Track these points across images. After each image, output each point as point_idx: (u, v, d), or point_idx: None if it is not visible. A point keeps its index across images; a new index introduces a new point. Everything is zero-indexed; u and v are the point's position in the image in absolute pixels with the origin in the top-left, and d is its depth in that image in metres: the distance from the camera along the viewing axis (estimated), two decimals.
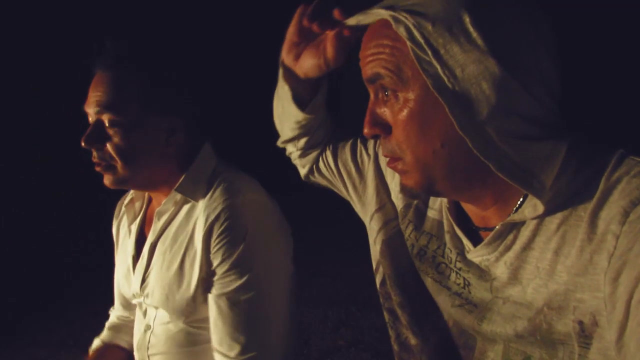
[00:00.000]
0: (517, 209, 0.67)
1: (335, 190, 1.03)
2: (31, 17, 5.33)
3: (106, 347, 1.29)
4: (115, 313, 1.36)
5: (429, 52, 0.60)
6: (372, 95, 0.69)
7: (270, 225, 1.07)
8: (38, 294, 3.93)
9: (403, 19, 0.61)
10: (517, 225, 0.67)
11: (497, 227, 0.67)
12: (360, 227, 0.98)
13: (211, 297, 1.04)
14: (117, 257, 1.29)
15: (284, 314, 1.06)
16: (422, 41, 0.60)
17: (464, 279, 0.73)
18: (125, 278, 1.22)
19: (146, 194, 1.25)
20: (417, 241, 0.81)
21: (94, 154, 1.06)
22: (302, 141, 0.98)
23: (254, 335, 1.00)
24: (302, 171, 1.04)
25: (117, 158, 1.04)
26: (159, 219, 1.14)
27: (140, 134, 1.04)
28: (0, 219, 4.81)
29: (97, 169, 1.08)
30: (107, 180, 1.07)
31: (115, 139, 1.03)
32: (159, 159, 1.09)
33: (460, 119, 0.60)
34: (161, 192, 1.15)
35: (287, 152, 1.05)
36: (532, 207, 0.64)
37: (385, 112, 0.67)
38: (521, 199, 0.67)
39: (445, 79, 0.60)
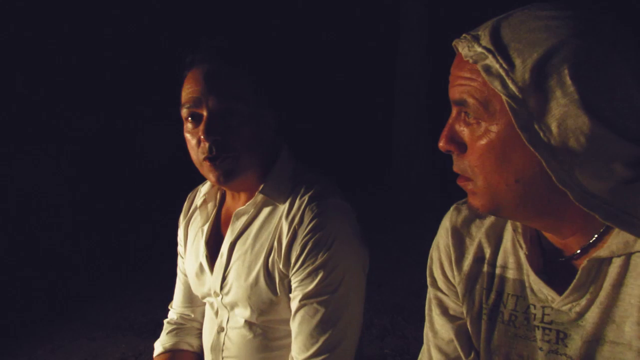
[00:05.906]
0: (596, 241, 0.65)
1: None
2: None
3: (172, 354, 1.27)
4: (177, 311, 1.35)
5: (524, 108, 0.58)
6: (454, 112, 0.68)
7: (352, 231, 1.07)
8: (96, 282, 4.26)
9: (498, 68, 0.59)
10: (603, 262, 0.63)
11: (581, 267, 0.64)
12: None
13: (292, 299, 1.06)
14: (186, 256, 1.28)
15: (357, 320, 1.07)
16: (518, 95, 0.58)
17: (557, 332, 0.68)
18: (197, 277, 1.22)
19: (218, 194, 1.25)
20: (504, 306, 0.76)
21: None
22: None
23: (328, 339, 1.02)
24: None
25: (235, 146, 1.05)
26: (237, 219, 1.14)
27: (254, 125, 1.06)
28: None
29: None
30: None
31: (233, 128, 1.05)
32: (262, 152, 1.10)
33: (559, 173, 0.58)
34: (243, 191, 1.16)
35: None
36: (622, 244, 0.61)
37: (463, 131, 0.66)
38: (601, 230, 0.64)
39: (542, 134, 0.58)
